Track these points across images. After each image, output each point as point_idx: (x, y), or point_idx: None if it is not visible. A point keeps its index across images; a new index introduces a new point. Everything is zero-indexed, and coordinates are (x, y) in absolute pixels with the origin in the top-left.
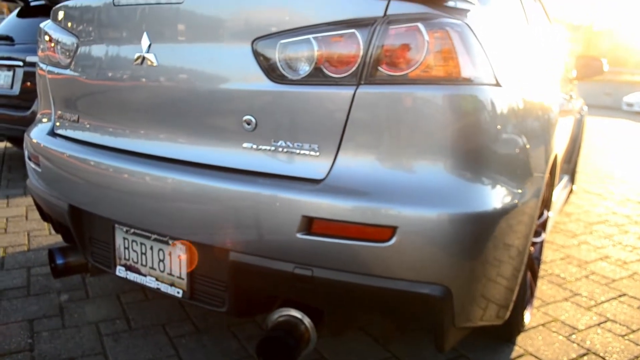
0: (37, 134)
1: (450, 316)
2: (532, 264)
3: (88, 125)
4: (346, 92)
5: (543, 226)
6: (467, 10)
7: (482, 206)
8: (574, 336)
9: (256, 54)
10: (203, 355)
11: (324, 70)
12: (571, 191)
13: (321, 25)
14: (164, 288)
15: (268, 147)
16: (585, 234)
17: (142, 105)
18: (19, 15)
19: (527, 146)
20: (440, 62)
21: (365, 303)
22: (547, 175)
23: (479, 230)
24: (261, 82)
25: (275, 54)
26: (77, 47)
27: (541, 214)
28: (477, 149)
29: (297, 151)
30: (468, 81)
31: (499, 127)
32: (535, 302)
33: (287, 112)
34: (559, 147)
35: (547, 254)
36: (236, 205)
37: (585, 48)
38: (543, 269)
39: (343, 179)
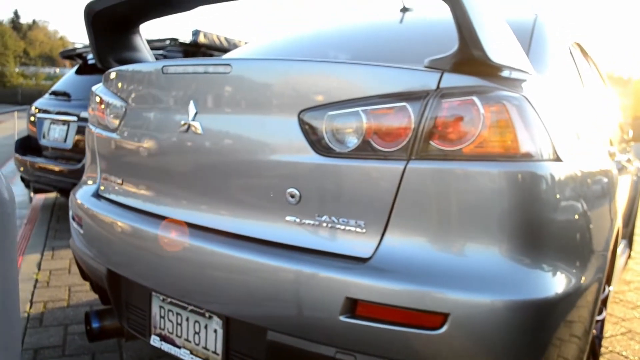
0: (82, 195)
1: None
2: (594, 344)
3: (131, 190)
4: (396, 166)
5: (604, 302)
6: (524, 81)
7: (543, 292)
8: None
9: (303, 126)
10: None
11: (373, 143)
12: (629, 256)
13: (371, 97)
14: None
15: (312, 222)
16: None
17: (186, 173)
18: (77, 72)
19: (591, 225)
20: (497, 137)
21: None
22: (610, 250)
23: (540, 318)
24: (307, 155)
25: (322, 126)
26: (126, 111)
27: (603, 290)
28: (537, 230)
29: (342, 227)
30: (527, 157)
31: (561, 206)
32: None
33: (333, 186)
34: (620, 217)
35: (606, 328)
36: (276, 281)
37: (636, 102)
38: (603, 346)
39: (391, 259)
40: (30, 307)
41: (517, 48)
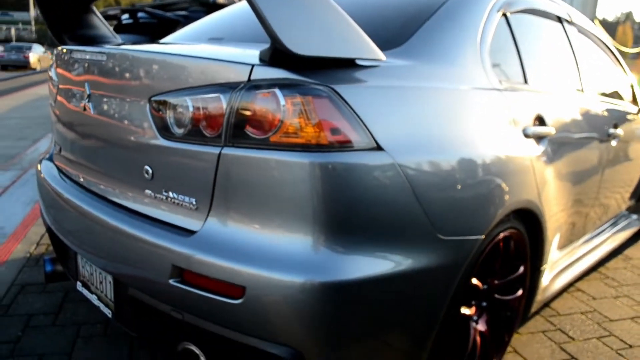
0: (45, 158)
1: None
2: (498, 323)
3: (64, 157)
4: (213, 151)
5: (521, 281)
6: (347, 71)
7: (342, 275)
8: None
9: (152, 110)
10: None
11: (202, 129)
12: None
13: (197, 87)
14: (102, 307)
15: (161, 196)
16: (631, 285)
17: (87, 147)
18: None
19: (423, 215)
20: (298, 127)
21: (230, 354)
22: (487, 234)
23: (336, 300)
24: (155, 137)
25: (166, 112)
26: (58, 88)
27: (513, 268)
28: (343, 218)
29: (180, 203)
30: (335, 146)
31: (377, 196)
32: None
33: (173, 166)
34: (505, 203)
35: (569, 305)
36: (129, 246)
37: None
38: (551, 322)
39: (212, 235)
40: (35, 249)
41: (351, 36)
